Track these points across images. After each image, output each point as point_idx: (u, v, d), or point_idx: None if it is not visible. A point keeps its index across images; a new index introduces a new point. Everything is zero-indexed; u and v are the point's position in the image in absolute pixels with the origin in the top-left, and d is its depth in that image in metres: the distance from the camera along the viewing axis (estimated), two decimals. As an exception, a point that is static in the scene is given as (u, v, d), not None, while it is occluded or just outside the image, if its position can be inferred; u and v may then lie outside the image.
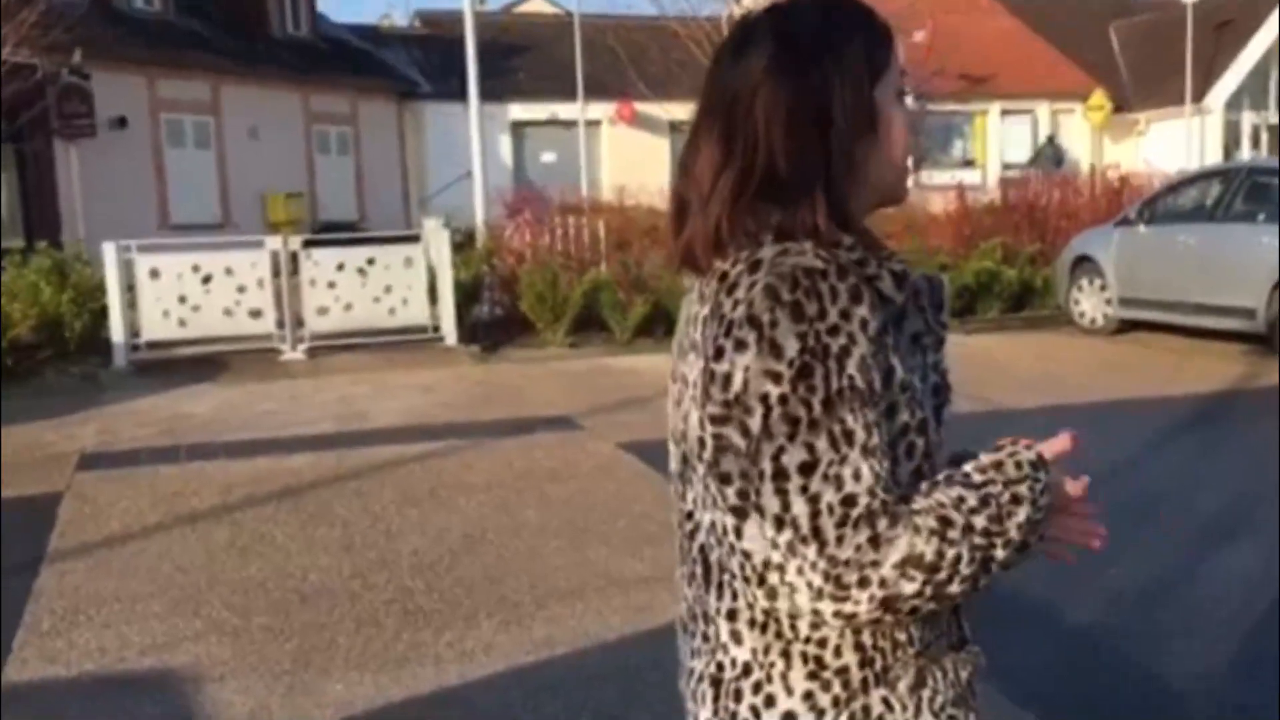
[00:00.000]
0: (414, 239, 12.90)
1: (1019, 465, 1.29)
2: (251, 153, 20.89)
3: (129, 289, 11.51)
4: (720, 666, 1.35)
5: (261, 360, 11.52)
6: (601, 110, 24.35)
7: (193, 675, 4.20)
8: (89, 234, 14.59)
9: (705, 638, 1.37)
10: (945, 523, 1.22)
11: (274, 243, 12.24)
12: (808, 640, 1.30)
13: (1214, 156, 23.84)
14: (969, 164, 26.07)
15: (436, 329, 12.37)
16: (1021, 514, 1.26)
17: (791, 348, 1.21)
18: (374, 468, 7.24)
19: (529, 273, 12.83)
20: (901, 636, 1.32)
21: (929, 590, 1.21)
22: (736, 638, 1.33)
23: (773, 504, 1.21)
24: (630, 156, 23.00)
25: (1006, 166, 24.93)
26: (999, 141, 26.87)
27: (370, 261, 12.23)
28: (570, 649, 4.36)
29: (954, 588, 1.23)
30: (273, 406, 9.51)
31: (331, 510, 6.31)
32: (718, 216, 1.33)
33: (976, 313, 13.63)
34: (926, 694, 1.34)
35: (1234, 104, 25.79)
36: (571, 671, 4.14)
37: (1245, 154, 25.05)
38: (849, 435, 1.21)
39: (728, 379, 1.24)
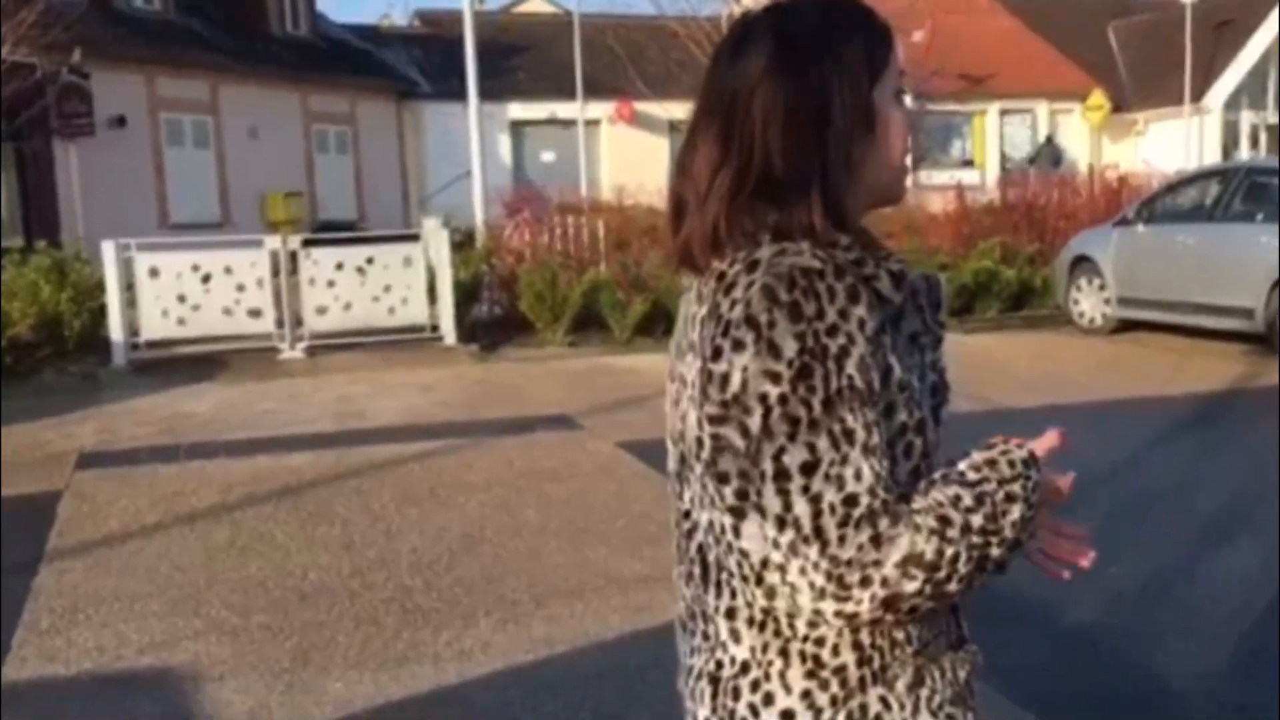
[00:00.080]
0: (413, 238, 12.90)
1: (1012, 464, 1.29)
2: (251, 152, 20.90)
3: (128, 288, 11.51)
4: (719, 664, 1.35)
5: (261, 359, 11.53)
6: (601, 110, 24.36)
7: (192, 674, 4.20)
8: (88, 233, 14.58)
9: (705, 636, 1.38)
10: (944, 522, 1.22)
11: (273, 242, 12.24)
12: (806, 639, 1.30)
13: (1213, 156, 23.86)
14: (968, 164, 26.08)
15: (435, 328, 12.37)
16: (1016, 512, 1.27)
17: (790, 348, 1.21)
18: (373, 467, 7.24)
19: (528, 272, 12.83)
20: (899, 635, 1.32)
21: (929, 589, 1.22)
22: (735, 636, 1.34)
23: (774, 504, 1.21)
24: (629, 156, 23.00)
25: (1005, 166, 24.94)
26: (998, 141, 26.88)
27: (369, 261, 12.23)
28: (569, 648, 4.36)
29: (952, 586, 1.23)
30: (272, 406, 9.51)
31: (331, 509, 6.31)
32: (715, 216, 1.33)
33: (975, 312, 13.64)
34: (924, 693, 1.34)
35: (1233, 104, 25.81)
36: (570, 670, 4.14)
37: (1244, 154, 25.07)
38: (849, 435, 1.21)
39: (725, 379, 1.24)
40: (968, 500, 1.25)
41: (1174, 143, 24.88)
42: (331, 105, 23.08)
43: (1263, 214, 10.80)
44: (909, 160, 1.43)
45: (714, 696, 1.35)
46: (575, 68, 22.27)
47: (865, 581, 1.20)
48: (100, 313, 11.49)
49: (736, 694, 1.33)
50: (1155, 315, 11.84)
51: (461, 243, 13.74)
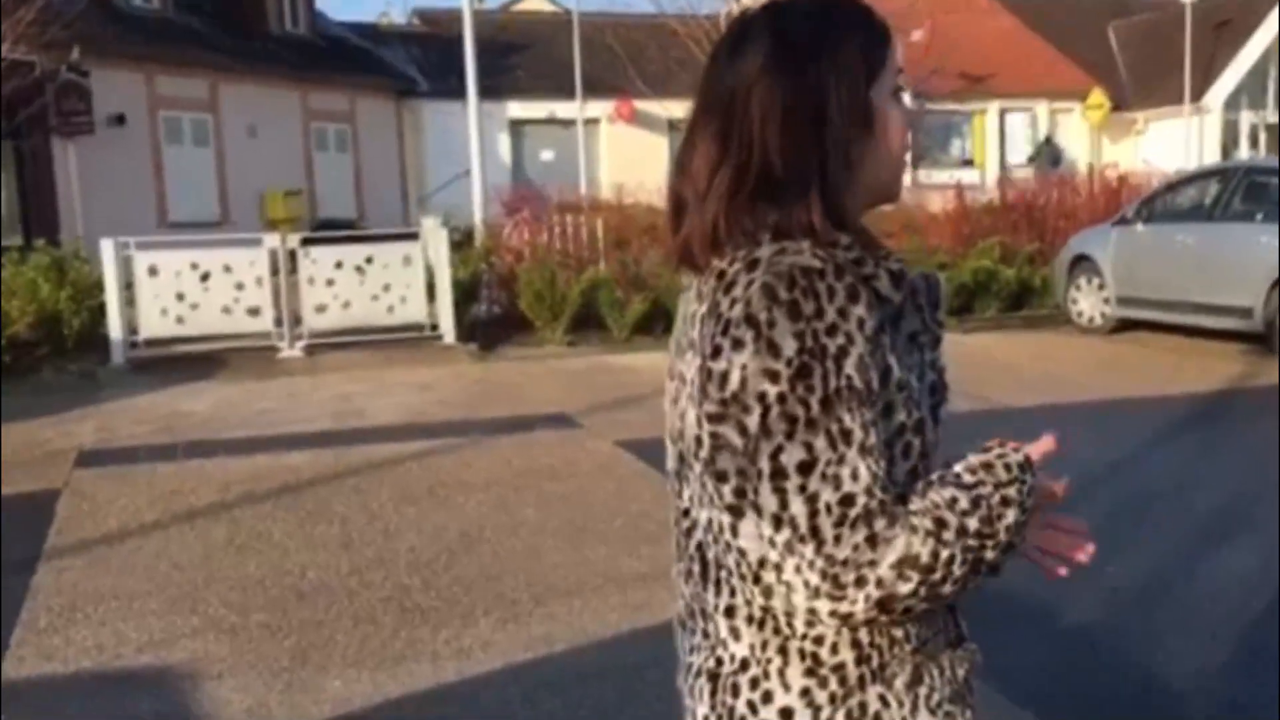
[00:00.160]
0: (412, 237, 12.90)
1: (1008, 468, 1.30)
2: (250, 150, 20.89)
3: (127, 286, 11.51)
4: (718, 662, 1.35)
5: (260, 358, 11.52)
6: (600, 108, 24.36)
7: (190, 672, 4.20)
8: (87, 231, 14.58)
9: (704, 634, 1.38)
10: (940, 524, 1.23)
11: (272, 240, 12.24)
12: (805, 637, 1.30)
13: (1212, 156, 23.86)
14: (968, 163, 26.08)
15: (435, 327, 12.37)
16: (1011, 516, 1.27)
17: (789, 347, 1.21)
18: (372, 466, 7.24)
19: (527, 271, 12.83)
20: (898, 634, 1.32)
21: (924, 590, 1.22)
22: (735, 633, 1.34)
23: (770, 503, 1.21)
24: (629, 155, 23.00)
25: (1005, 168, 24.94)
26: (998, 141, 26.88)
27: (368, 259, 12.23)
28: (568, 646, 4.36)
29: (947, 588, 1.24)
30: (271, 404, 9.51)
31: (329, 508, 6.31)
32: (714, 214, 1.33)
33: (974, 312, 13.64)
34: (923, 691, 1.34)
35: (1232, 103, 25.81)
36: (569, 669, 4.15)
37: (1244, 153, 25.07)
38: (847, 435, 1.21)
39: (725, 377, 1.24)
40: (964, 503, 1.25)
41: (1174, 142, 24.89)
42: (331, 104, 23.07)
43: (1262, 214, 10.80)
44: (908, 158, 1.43)
45: (713, 694, 1.35)
46: (575, 66, 22.28)
47: (860, 581, 1.20)
48: (99, 311, 11.49)
49: (735, 691, 1.33)
50: (1154, 315, 11.84)
51: (460, 241, 13.74)
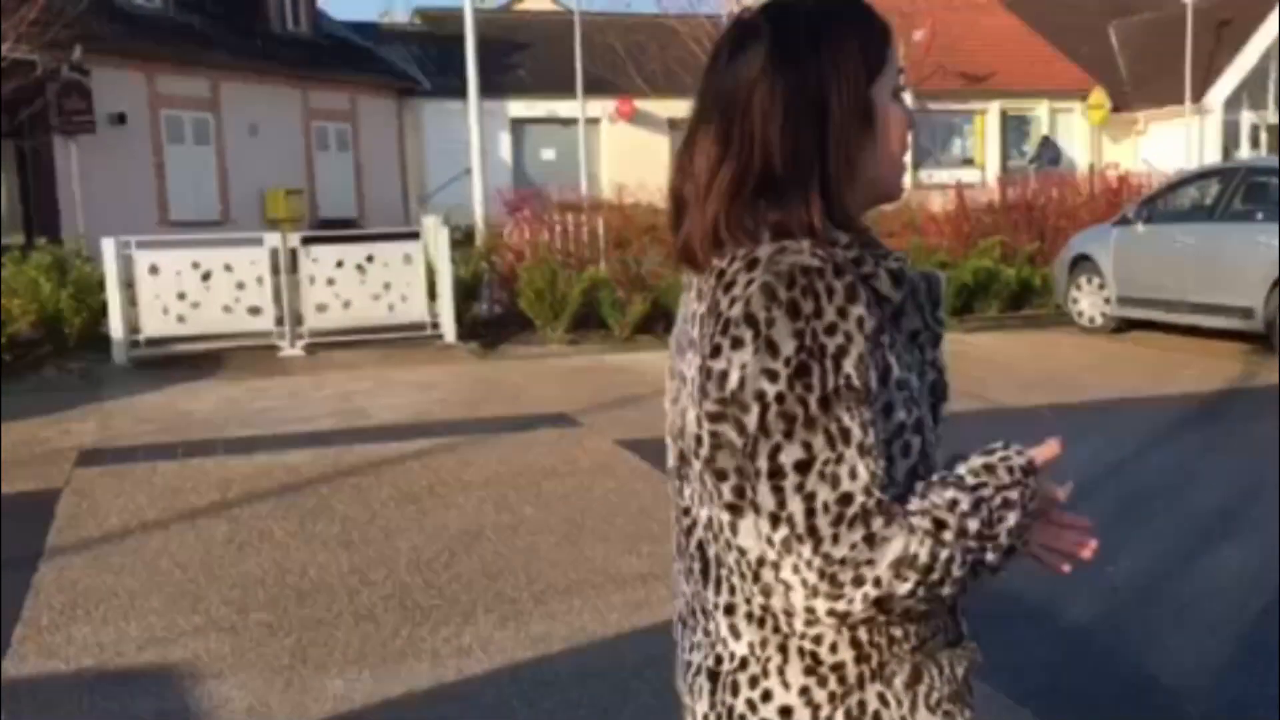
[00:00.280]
0: (413, 236, 12.91)
1: (1011, 470, 1.30)
2: (251, 149, 20.90)
3: (128, 285, 11.51)
4: (718, 660, 1.36)
5: (260, 357, 11.53)
6: (601, 107, 24.36)
7: (191, 671, 4.21)
8: (89, 230, 14.59)
9: (704, 632, 1.38)
10: (939, 525, 1.23)
11: (273, 239, 12.23)
12: (804, 635, 1.30)
13: (1213, 156, 23.87)
14: (968, 163, 26.09)
15: (435, 326, 12.38)
16: (1012, 519, 1.28)
17: (788, 346, 1.22)
18: (372, 464, 7.25)
19: (528, 270, 12.83)
20: (898, 633, 1.32)
21: (922, 591, 1.22)
22: (734, 632, 1.34)
23: (768, 501, 1.21)
24: (629, 154, 23.00)
25: (1006, 169, 24.95)
26: (998, 140, 26.88)
27: (369, 258, 12.24)
28: (568, 645, 4.36)
29: (945, 589, 1.24)
30: (271, 403, 9.52)
31: (330, 507, 6.31)
32: (715, 213, 1.33)
33: (975, 311, 13.64)
34: (922, 690, 1.34)
35: (1233, 103, 25.82)
36: (569, 667, 4.15)
37: (1244, 153, 25.07)
38: (845, 434, 1.22)
39: (724, 376, 1.24)
40: (965, 505, 1.25)
41: (1174, 142, 24.90)
42: (332, 102, 23.07)
43: (1262, 214, 10.80)
44: (908, 157, 1.43)
45: (713, 692, 1.36)
46: (576, 65, 22.27)
47: (858, 581, 1.20)
48: (100, 310, 11.50)
49: (735, 690, 1.34)
50: (1155, 314, 11.85)
51: (461, 240, 13.73)
